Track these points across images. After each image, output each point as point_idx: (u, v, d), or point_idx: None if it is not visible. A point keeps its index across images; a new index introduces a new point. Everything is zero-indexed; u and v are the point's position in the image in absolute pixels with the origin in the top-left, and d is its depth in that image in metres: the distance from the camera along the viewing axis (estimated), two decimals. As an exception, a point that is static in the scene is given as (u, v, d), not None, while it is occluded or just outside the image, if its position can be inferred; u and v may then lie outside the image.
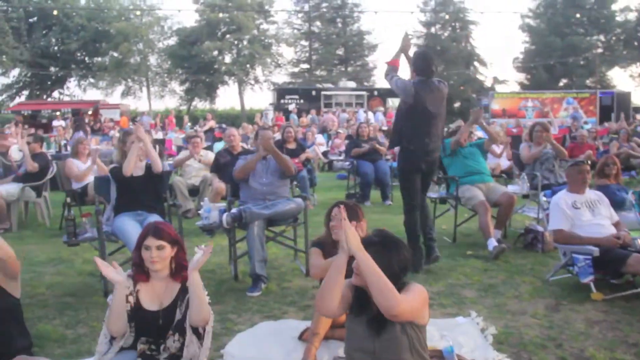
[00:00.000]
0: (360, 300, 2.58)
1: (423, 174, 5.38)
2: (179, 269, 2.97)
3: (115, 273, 2.82)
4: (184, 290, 2.92)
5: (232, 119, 33.57)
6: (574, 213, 4.76)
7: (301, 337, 3.64)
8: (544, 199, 5.41)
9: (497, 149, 9.37)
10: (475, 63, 42.95)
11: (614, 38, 40.45)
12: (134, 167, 5.01)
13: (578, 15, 39.12)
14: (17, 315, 3.05)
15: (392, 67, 5.41)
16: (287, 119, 23.32)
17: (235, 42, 36.10)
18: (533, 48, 41.47)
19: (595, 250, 4.34)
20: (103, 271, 2.79)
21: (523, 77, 42.62)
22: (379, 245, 2.56)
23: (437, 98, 5.27)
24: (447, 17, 42.02)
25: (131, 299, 2.88)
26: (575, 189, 4.91)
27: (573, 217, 4.75)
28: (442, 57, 40.62)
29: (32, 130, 17.15)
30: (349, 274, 2.56)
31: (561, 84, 39.96)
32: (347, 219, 2.49)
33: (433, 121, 5.23)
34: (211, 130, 17.98)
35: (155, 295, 2.92)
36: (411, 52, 5.52)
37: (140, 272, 2.94)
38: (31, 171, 7.65)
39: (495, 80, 42.57)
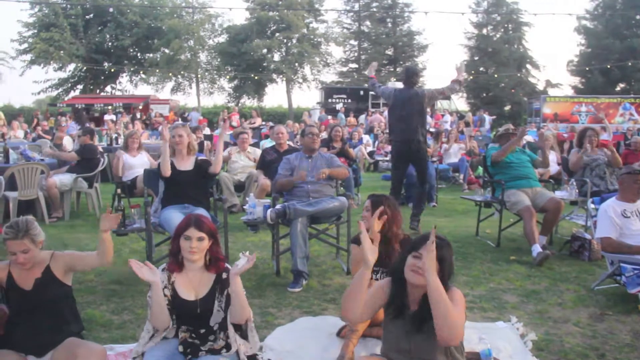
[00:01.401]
0: (398, 302, 2.62)
1: (413, 161, 7.08)
2: (213, 261, 3.05)
3: (150, 274, 2.87)
4: (220, 282, 3.00)
5: (279, 117, 33.85)
6: (623, 222, 4.63)
7: (339, 334, 3.68)
8: (593, 206, 5.28)
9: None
10: (528, 65, 41.95)
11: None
12: (182, 162, 5.16)
13: (638, 17, 37.72)
14: (70, 301, 3.22)
15: (371, 78, 7.36)
16: (335, 118, 23.39)
17: (285, 40, 36.29)
18: (589, 51, 40.16)
19: (645, 260, 4.23)
20: (138, 273, 2.83)
21: (577, 80, 41.36)
22: (448, 246, 2.64)
23: (411, 102, 6.83)
24: (499, 18, 41.20)
25: (167, 291, 2.97)
26: (627, 198, 4.77)
27: (622, 226, 4.63)
28: (493, 59, 39.90)
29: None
30: None
31: (618, 88, 38.60)
32: (433, 249, 2.48)
33: (407, 118, 6.84)
34: (258, 127, 18.16)
35: (190, 285, 3.01)
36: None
37: (175, 261, 3.03)
38: (69, 160, 7.98)
39: (548, 84, 41.54)
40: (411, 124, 6.82)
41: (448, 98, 29.54)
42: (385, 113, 23.51)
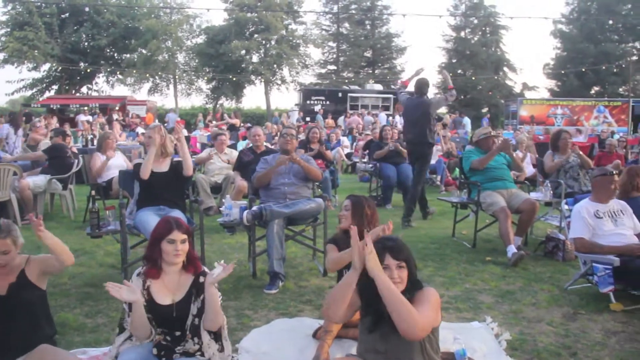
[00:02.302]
0: (370, 305, 2.62)
1: (418, 160, 7.97)
2: (190, 261, 3.03)
3: (129, 293, 2.78)
4: (196, 286, 2.98)
5: (257, 119, 33.78)
6: (596, 222, 4.70)
7: (315, 335, 3.67)
8: (566, 207, 5.34)
9: (520, 153, 9.31)
10: (505, 68, 42.51)
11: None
12: (158, 163, 5.11)
13: (611, 22, 38.43)
14: (44, 305, 3.18)
15: (403, 85, 8.40)
16: (313, 120, 23.40)
17: (263, 42, 36.22)
18: (564, 54, 40.87)
19: (616, 260, 4.29)
20: (116, 296, 2.74)
21: (553, 84, 42.01)
22: (403, 245, 2.65)
23: (417, 109, 7.78)
24: (477, 21, 41.66)
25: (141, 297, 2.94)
26: (600, 199, 4.83)
27: (595, 227, 4.69)
28: (471, 62, 40.36)
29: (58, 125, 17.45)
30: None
31: (592, 91, 39.27)
32: (369, 242, 2.53)
33: (414, 122, 7.85)
34: (235, 128, 18.07)
35: (166, 290, 2.98)
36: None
37: (153, 267, 2.99)
38: (36, 160, 7.88)
39: (525, 86, 42.15)
40: (417, 127, 7.82)
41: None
42: (366, 116, 23.80)
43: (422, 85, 7.97)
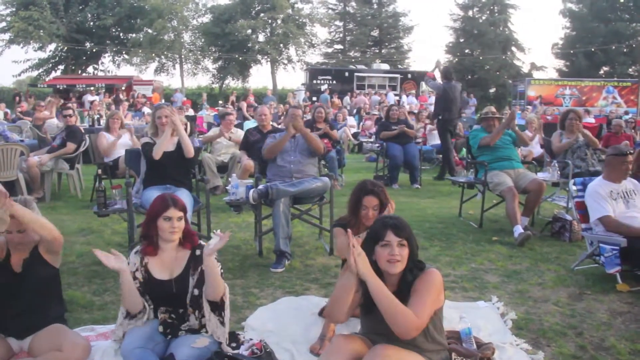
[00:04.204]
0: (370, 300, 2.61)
1: (450, 131, 9.99)
2: (187, 237, 3.05)
3: (116, 261, 2.84)
4: (193, 259, 2.99)
5: (263, 99, 33.64)
6: (610, 204, 4.64)
7: (321, 314, 3.68)
8: (574, 187, 5.30)
9: (529, 134, 9.24)
10: (513, 48, 42.02)
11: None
12: (165, 142, 5.09)
13: (622, 0, 37.84)
14: (56, 284, 3.20)
15: (429, 77, 10.63)
16: (319, 99, 23.31)
17: (269, 21, 35.92)
18: (574, 34, 40.30)
19: (623, 241, 4.26)
20: (104, 261, 2.80)
21: (562, 63, 41.53)
22: (406, 224, 2.60)
23: (453, 91, 9.84)
24: (485, 0, 41.11)
25: (139, 274, 2.97)
26: (612, 178, 4.75)
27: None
28: (479, 41, 39.93)
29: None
30: None
31: (601, 72, 38.81)
32: (356, 243, 2.49)
33: (453, 101, 9.88)
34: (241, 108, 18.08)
35: (164, 266, 3.01)
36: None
37: (150, 244, 3.01)
38: (65, 153, 7.86)
39: (533, 66, 41.67)
40: (456, 106, 10.02)
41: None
42: (373, 96, 23.67)
43: (448, 73, 10.19)
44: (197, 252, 3.00)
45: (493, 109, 7.13)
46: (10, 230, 2.89)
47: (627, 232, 4.41)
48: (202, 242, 3.05)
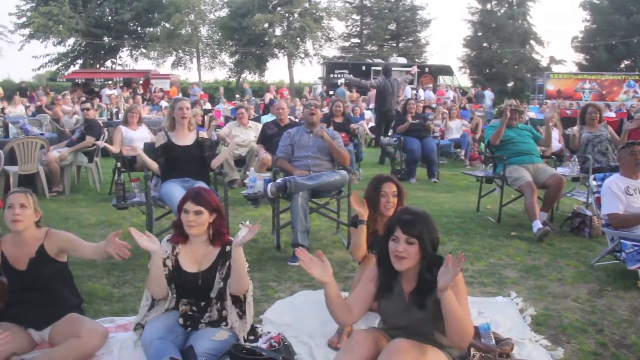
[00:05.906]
0: (387, 284, 2.60)
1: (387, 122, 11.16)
2: (217, 235, 3.05)
3: (149, 242, 2.89)
4: (222, 256, 3.00)
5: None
6: (627, 199, 4.59)
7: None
8: (594, 182, 5.23)
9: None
10: (532, 42, 41.54)
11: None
12: (183, 136, 5.11)
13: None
14: (66, 276, 3.23)
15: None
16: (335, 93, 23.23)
17: (286, 14, 35.90)
18: (594, 27, 39.71)
19: (645, 237, 4.21)
20: (138, 241, 2.85)
21: (582, 57, 40.97)
22: (425, 219, 2.55)
23: (393, 86, 11.06)
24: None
25: (169, 262, 2.99)
26: (629, 173, 4.73)
27: (625, 204, 4.59)
28: (497, 35, 39.53)
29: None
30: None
31: (622, 65, 38.21)
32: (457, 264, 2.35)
33: (392, 95, 11.16)
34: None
35: (194, 258, 3.02)
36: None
37: (179, 234, 3.04)
38: (84, 147, 7.93)
39: (552, 60, 41.19)
40: (392, 99, 11.17)
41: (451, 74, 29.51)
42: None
43: (387, 70, 11.69)
44: (227, 248, 3.01)
45: (514, 101, 6.91)
46: (13, 205, 2.97)
47: (635, 222, 4.45)
48: (231, 239, 3.06)
